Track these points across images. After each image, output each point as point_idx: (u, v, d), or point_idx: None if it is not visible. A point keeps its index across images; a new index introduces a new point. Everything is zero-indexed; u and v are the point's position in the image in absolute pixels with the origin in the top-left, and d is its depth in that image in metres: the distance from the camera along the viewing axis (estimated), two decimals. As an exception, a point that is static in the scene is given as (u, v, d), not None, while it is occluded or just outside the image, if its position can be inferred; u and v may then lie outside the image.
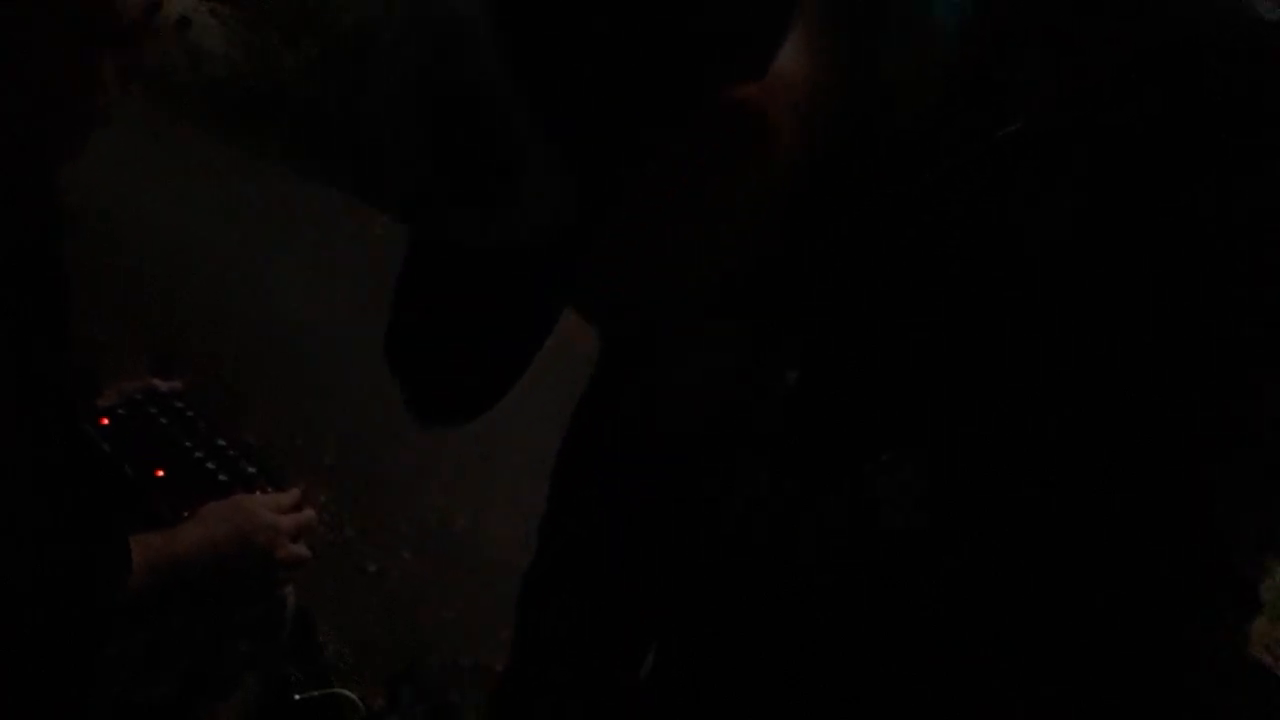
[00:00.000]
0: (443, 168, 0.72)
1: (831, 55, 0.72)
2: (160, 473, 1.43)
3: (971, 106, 0.73)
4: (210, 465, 1.45)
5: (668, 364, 0.87)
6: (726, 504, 0.86)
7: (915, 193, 0.74)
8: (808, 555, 0.81)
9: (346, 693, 1.78)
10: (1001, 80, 0.73)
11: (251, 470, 1.45)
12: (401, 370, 0.90)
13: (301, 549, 1.40)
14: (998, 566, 0.75)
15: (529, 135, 0.68)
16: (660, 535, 0.94)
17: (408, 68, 0.71)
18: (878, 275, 0.76)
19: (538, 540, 1.06)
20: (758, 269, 0.77)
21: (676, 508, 0.92)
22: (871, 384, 0.78)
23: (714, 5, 0.68)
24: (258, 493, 1.41)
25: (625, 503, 0.97)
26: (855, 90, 0.73)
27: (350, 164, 8.03)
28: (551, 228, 0.71)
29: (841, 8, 0.72)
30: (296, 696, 1.70)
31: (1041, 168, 0.71)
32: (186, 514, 1.35)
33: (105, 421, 1.49)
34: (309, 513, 1.44)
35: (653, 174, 0.71)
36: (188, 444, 1.47)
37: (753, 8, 0.69)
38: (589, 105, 0.68)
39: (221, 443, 1.48)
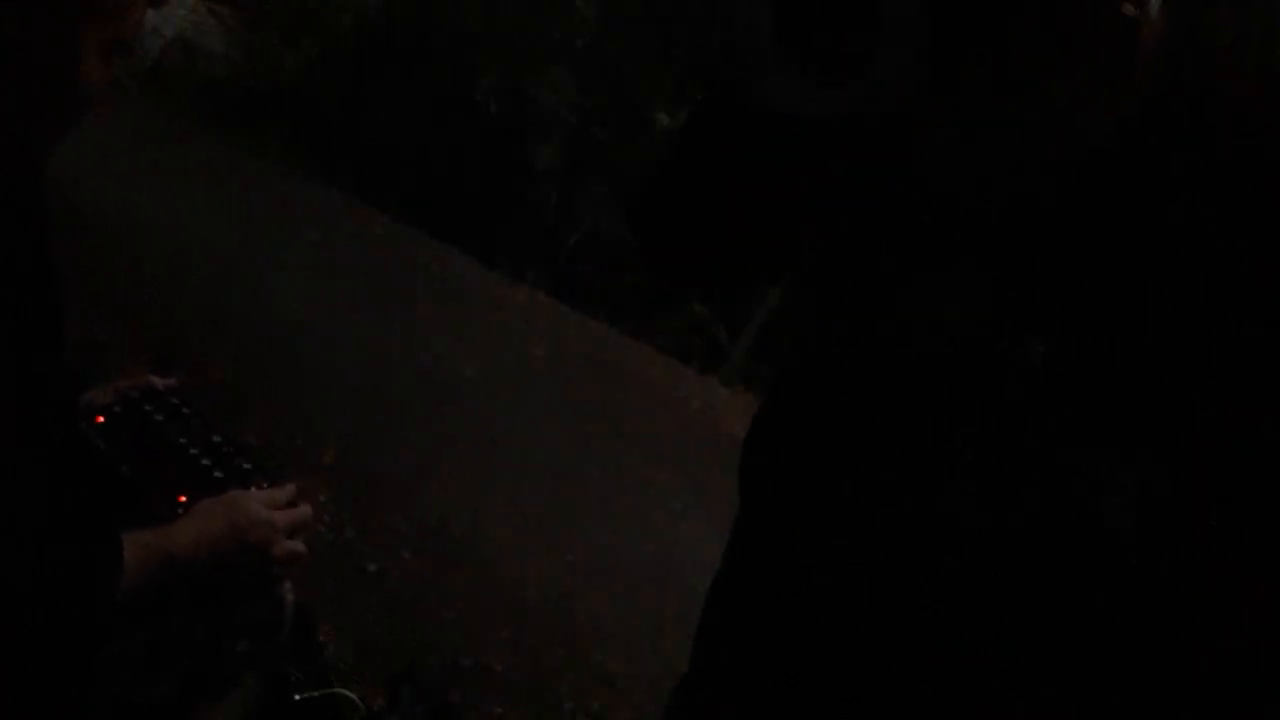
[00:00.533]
0: (791, 21, 0.71)
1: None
2: (155, 470, 1.43)
3: None
4: (205, 462, 1.44)
5: (917, 293, 0.84)
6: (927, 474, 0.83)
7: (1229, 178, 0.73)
8: (1002, 544, 0.79)
9: (346, 693, 1.78)
10: None
11: (247, 467, 1.45)
12: (664, 225, 0.90)
13: (298, 545, 1.40)
14: (1203, 583, 0.74)
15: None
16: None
17: None
18: (1153, 259, 0.75)
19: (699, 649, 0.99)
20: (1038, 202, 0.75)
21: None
22: (1117, 373, 0.76)
23: None
24: (253, 488, 1.41)
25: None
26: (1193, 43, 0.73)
27: (350, 164, 8.02)
28: (898, 96, 0.70)
29: None
30: (296, 696, 1.69)
31: None
32: (181, 511, 1.34)
33: (101, 420, 1.48)
34: (305, 508, 1.44)
35: (1018, 58, 0.70)
36: (183, 441, 1.47)
37: None
38: None
39: (217, 439, 1.48)
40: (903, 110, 0.72)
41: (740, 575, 0.95)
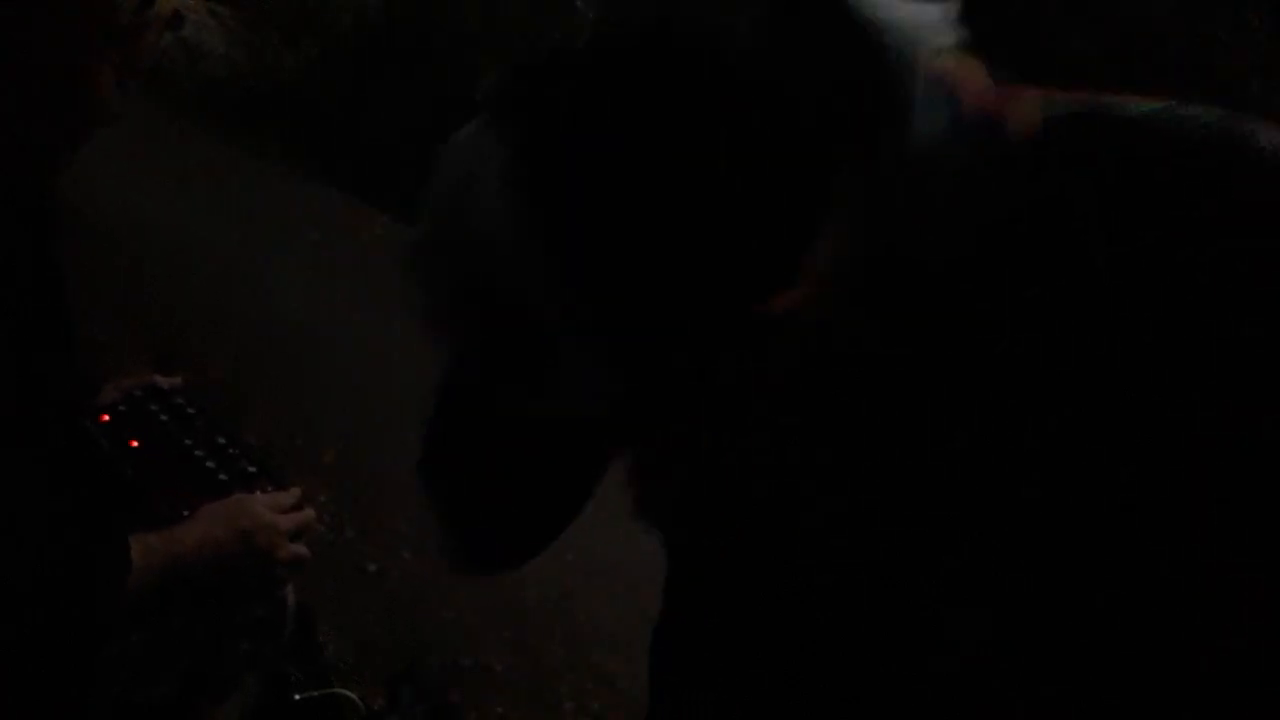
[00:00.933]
0: (490, 356, 0.77)
1: (856, 232, 0.73)
2: (160, 471, 1.42)
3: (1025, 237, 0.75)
4: (210, 464, 1.44)
5: (719, 451, 0.87)
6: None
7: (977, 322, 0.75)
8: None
9: (346, 693, 1.78)
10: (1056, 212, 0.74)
11: (252, 469, 1.45)
12: (441, 518, 0.95)
13: (301, 548, 1.40)
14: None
15: (566, 331, 0.72)
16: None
17: (445, 279, 0.76)
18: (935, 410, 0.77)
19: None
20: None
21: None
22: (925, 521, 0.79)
23: (743, 228, 0.70)
24: (258, 492, 1.41)
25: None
26: (885, 248, 0.74)
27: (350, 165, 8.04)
28: (597, 405, 0.76)
29: (858, 188, 0.73)
30: (296, 696, 1.69)
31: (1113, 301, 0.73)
32: (186, 513, 1.34)
33: (106, 419, 1.48)
34: (309, 512, 1.44)
35: (700, 383, 0.75)
36: (188, 442, 1.47)
37: (781, 225, 0.71)
38: (628, 309, 0.72)
39: (222, 441, 1.47)
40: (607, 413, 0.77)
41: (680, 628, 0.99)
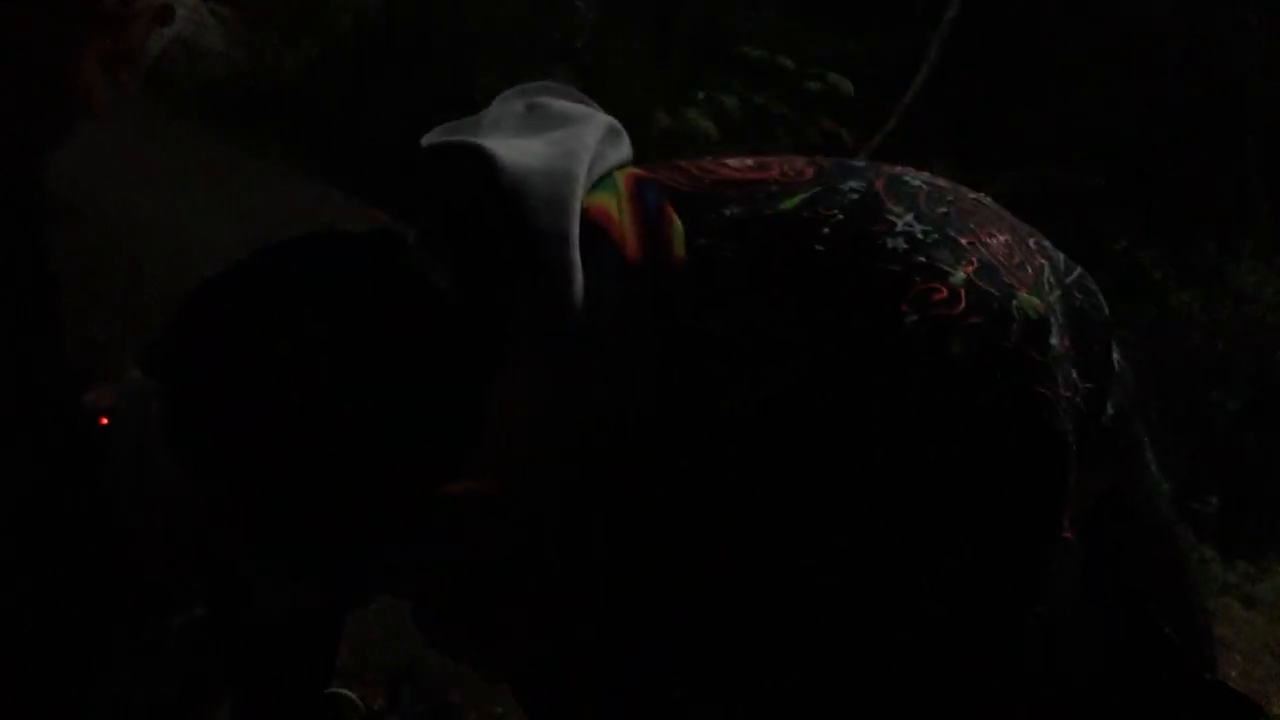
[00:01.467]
0: (202, 577, 0.84)
1: (533, 404, 0.75)
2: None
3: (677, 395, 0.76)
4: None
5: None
6: None
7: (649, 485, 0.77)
8: None
9: (346, 693, 1.78)
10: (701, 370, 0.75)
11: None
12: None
13: None
14: None
15: (248, 564, 0.77)
16: None
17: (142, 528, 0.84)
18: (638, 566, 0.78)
19: None
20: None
21: None
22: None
23: (392, 457, 0.73)
24: None
25: None
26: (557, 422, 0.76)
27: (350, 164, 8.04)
28: (301, 610, 0.88)
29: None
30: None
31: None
32: None
33: (105, 421, 1.48)
34: None
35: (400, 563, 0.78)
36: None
37: (439, 424, 0.74)
38: (297, 535, 0.76)
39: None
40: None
41: None
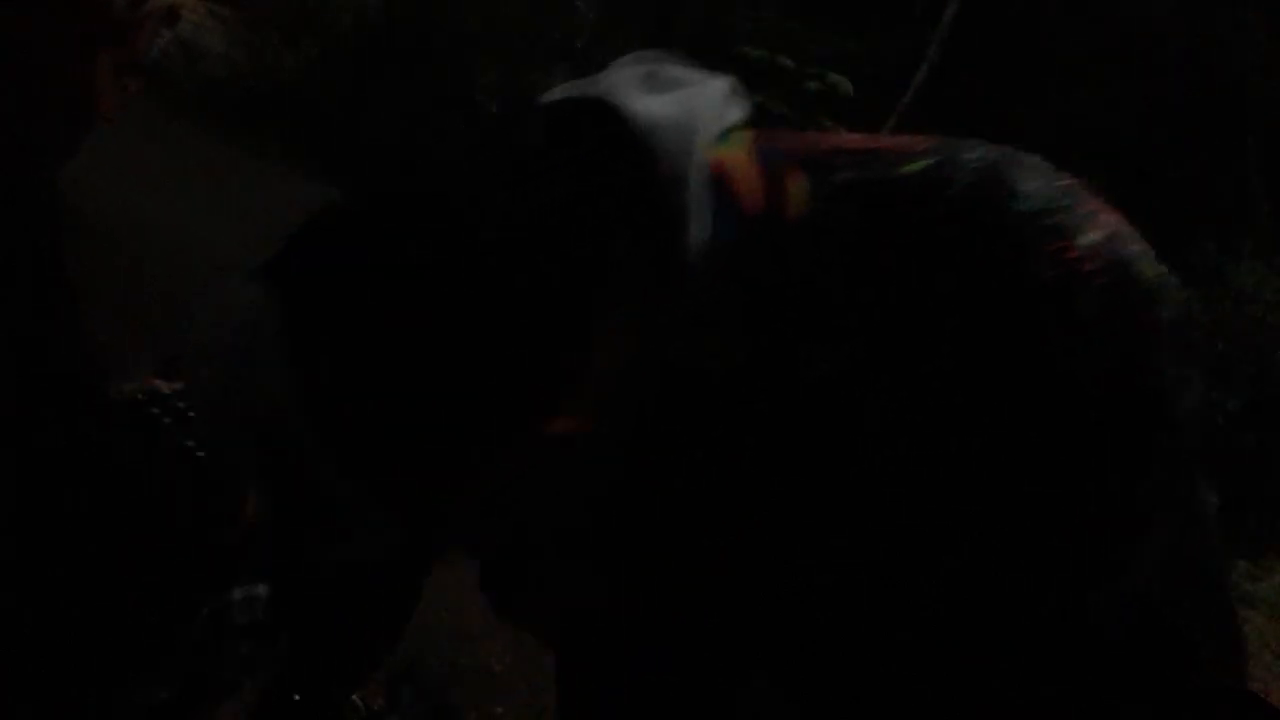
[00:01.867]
0: (282, 515, 0.81)
1: (636, 345, 0.75)
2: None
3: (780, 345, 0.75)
4: (211, 466, 1.44)
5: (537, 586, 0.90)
6: None
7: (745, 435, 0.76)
8: None
9: (347, 693, 1.78)
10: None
11: (252, 470, 1.46)
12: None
13: None
14: None
15: (345, 493, 0.74)
16: None
17: (237, 438, 0.79)
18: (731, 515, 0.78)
19: None
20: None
21: None
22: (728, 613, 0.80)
23: (509, 363, 0.72)
24: None
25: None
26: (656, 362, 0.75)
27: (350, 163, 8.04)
28: (385, 552, 0.81)
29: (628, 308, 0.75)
30: (297, 697, 1.69)
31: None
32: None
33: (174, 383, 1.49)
34: None
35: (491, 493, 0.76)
36: (190, 444, 1.47)
37: (547, 355, 0.73)
38: (401, 464, 0.74)
39: (222, 443, 1.48)
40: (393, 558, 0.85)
41: None
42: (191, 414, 1.56)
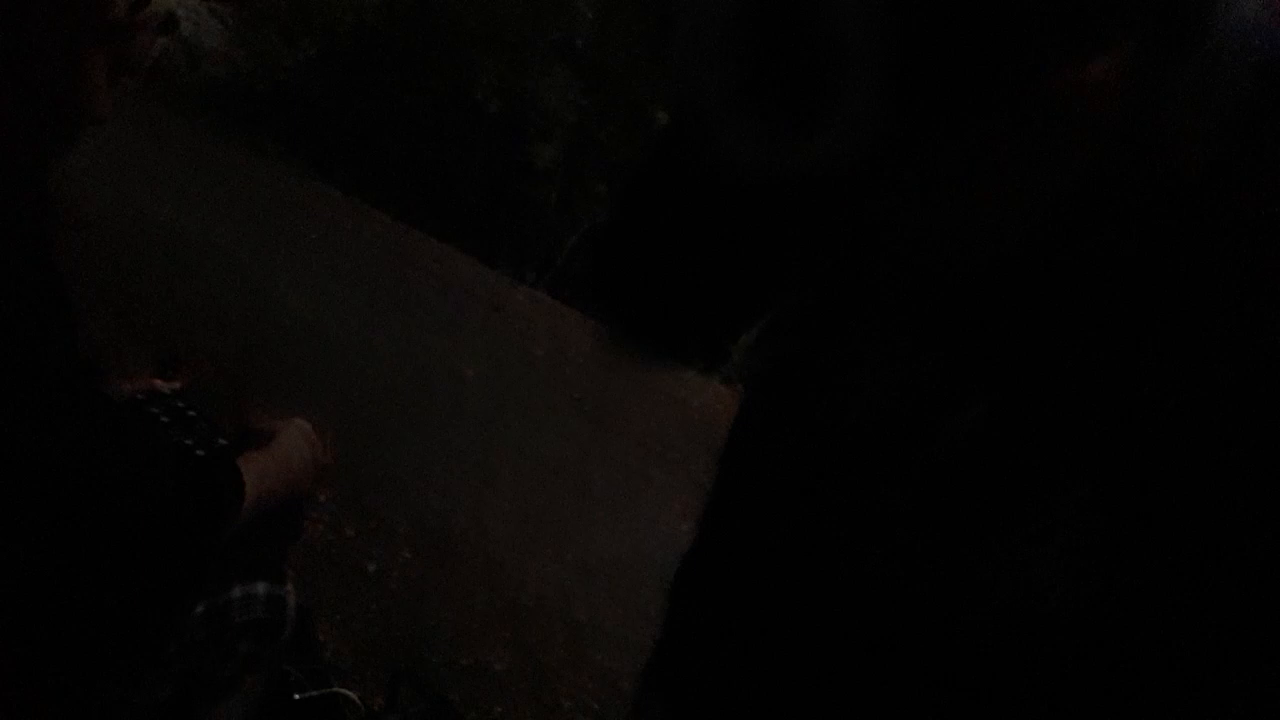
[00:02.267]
0: (755, 71, 0.64)
1: (1142, 71, 0.68)
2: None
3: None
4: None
5: (849, 366, 0.81)
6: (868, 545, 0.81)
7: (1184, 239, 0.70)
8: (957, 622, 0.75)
9: (346, 693, 1.79)
10: None
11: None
12: (628, 296, 0.86)
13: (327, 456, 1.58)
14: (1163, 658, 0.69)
15: (864, 51, 0.61)
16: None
17: None
18: (1102, 328, 0.71)
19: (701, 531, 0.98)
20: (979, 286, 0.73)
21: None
22: (1055, 442, 0.73)
23: None
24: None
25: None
26: (1148, 110, 0.69)
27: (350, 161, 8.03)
28: (852, 158, 0.64)
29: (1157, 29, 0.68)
30: (296, 696, 1.70)
31: None
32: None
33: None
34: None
35: (974, 136, 0.65)
36: (189, 443, 1.47)
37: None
38: (930, 40, 0.61)
39: (223, 442, 1.48)
40: (862, 170, 0.69)
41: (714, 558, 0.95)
42: (191, 413, 1.56)
